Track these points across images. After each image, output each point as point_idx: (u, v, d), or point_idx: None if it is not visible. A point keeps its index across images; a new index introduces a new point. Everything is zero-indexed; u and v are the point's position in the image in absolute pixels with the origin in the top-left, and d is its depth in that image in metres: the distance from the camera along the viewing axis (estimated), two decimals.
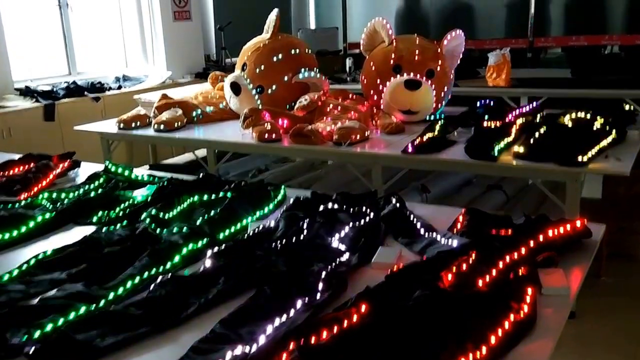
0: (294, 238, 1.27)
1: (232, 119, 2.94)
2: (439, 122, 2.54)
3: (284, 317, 0.95)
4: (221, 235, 1.35)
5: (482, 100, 2.77)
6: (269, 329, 0.92)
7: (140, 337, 0.94)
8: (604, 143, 2.09)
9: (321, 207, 1.43)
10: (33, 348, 0.88)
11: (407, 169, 2.44)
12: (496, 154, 2.08)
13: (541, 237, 1.19)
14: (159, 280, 1.08)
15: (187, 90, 3.51)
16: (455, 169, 2.67)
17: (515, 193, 3.11)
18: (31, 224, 1.42)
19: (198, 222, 1.40)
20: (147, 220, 1.40)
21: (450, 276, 1.05)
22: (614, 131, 2.19)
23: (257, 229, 1.35)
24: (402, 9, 6.01)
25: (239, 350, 0.86)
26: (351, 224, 1.35)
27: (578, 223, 1.25)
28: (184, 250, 1.24)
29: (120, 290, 1.07)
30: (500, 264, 1.09)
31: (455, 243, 1.23)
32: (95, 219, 1.50)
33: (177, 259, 1.21)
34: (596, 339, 2.19)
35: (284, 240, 1.26)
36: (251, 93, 2.87)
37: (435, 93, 2.69)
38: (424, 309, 0.95)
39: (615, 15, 5.00)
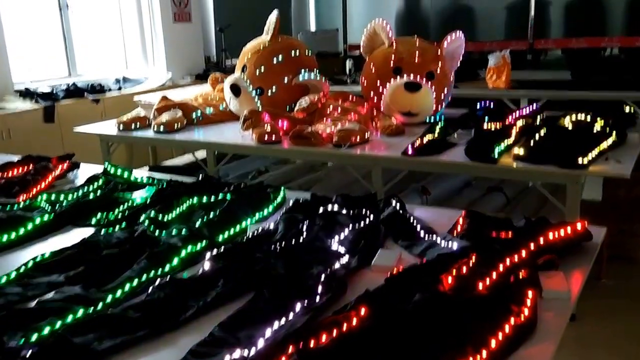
0: (293, 240, 1.27)
1: (232, 120, 2.94)
2: (439, 124, 2.54)
3: (283, 320, 0.95)
4: (220, 238, 1.35)
5: (482, 102, 2.77)
6: (268, 332, 0.91)
7: (138, 340, 0.94)
8: (604, 145, 2.08)
9: (321, 209, 1.43)
10: (30, 351, 0.88)
11: (407, 171, 2.44)
12: (496, 156, 2.08)
13: (542, 240, 1.18)
14: (157, 283, 1.08)
15: (187, 92, 3.51)
16: (455, 171, 2.67)
17: (515, 195, 3.11)
18: (29, 226, 1.41)
19: (197, 225, 1.40)
20: (146, 222, 1.39)
21: (450, 279, 1.04)
22: (614, 133, 2.19)
23: (256, 232, 1.35)
24: (402, 11, 6.01)
25: (237, 354, 0.86)
26: (351, 226, 1.34)
27: (579, 226, 1.24)
28: (183, 253, 1.23)
29: (119, 293, 1.06)
30: (501, 267, 1.08)
31: (455, 246, 1.22)
32: (94, 221, 1.49)
33: (175, 261, 1.20)
34: (597, 341, 2.18)
35: (283, 243, 1.25)
36: (251, 95, 2.87)
37: (435, 95, 2.68)
38: (424, 312, 0.94)
39: (615, 17, 5.01)
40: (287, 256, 1.18)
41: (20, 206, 1.59)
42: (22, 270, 1.18)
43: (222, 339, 0.92)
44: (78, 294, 1.04)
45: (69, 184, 1.89)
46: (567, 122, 2.39)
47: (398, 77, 2.70)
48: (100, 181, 1.79)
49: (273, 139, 2.50)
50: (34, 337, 0.92)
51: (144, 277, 1.13)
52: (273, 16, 3.02)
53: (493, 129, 2.41)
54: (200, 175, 1.78)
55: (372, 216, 1.39)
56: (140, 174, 1.90)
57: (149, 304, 1.01)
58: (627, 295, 2.52)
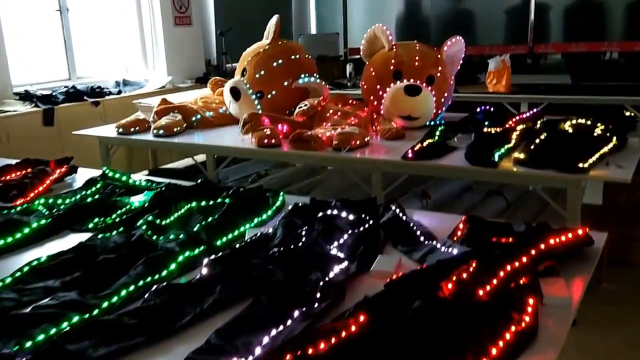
0: (292, 246, 1.26)
1: (231, 124, 2.94)
2: (439, 128, 2.53)
3: (281, 327, 0.94)
4: (218, 243, 1.34)
5: (482, 106, 2.76)
6: (265, 339, 0.90)
7: (134, 347, 0.93)
8: (605, 149, 2.07)
9: (320, 214, 1.42)
10: (24, 359, 0.86)
11: (407, 175, 2.43)
12: (496, 160, 2.07)
13: (542, 246, 1.17)
14: (154, 288, 1.07)
15: (187, 95, 3.51)
16: (455, 175, 2.66)
17: (515, 199, 3.10)
18: (26, 230, 1.40)
19: (195, 229, 1.39)
20: (144, 226, 1.38)
21: (450, 285, 1.03)
22: (614, 138, 2.18)
23: (254, 236, 1.34)
24: (402, 15, 6.02)
25: None
26: (350, 231, 1.33)
27: (580, 231, 1.23)
28: (180, 258, 1.22)
29: (115, 299, 1.05)
30: (501, 273, 1.07)
31: (455, 251, 1.21)
32: (91, 225, 1.48)
33: (173, 266, 1.19)
34: (597, 346, 2.17)
35: (282, 248, 1.24)
36: (251, 98, 2.86)
37: (436, 99, 2.68)
38: (424, 319, 0.93)
39: (615, 22, 5.01)
40: (286, 262, 1.17)
41: (17, 210, 1.58)
42: (17, 275, 1.17)
43: (219, 346, 0.91)
44: (74, 300, 1.03)
45: (67, 187, 1.88)
46: (568, 126, 2.39)
47: (398, 81, 2.70)
48: (98, 185, 1.78)
49: (273, 142, 2.49)
50: (28, 344, 0.91)
51: (141, 282, 1.11)
52: (273, 20, 3.02)
53: (493, 133, 2.40)
54: (199, 179, 1.77)
55: (371, 221, 1.37)
56: (139, 177, 1.89)
57: (144, 311, 1.00)
58: (627, 300, 2.51)
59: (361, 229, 1.34)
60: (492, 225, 1.35)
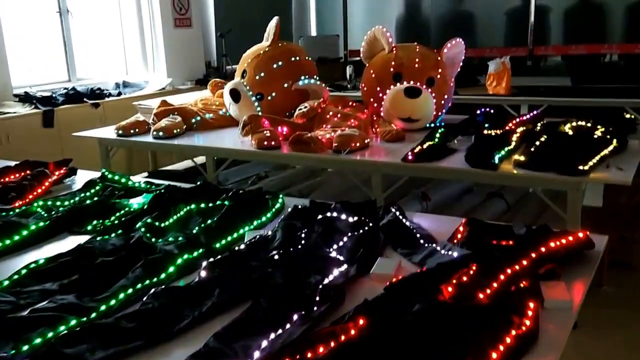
0: (291, 248, 1.25)
1: (231, 125, 2.93)
2: (439, 130, 2.53)
3: (280, 330, 0.93)
4: (217, 245, 1.33)
5: (482, 108, 2.76)
6: (264, 343, 0.90)
7: (132, 351, 0.92)
8: (605, 152, 2.07)
9: (319, 217, 1.41)
10: None
11: (407, 177, 2.43)
12: (496, 162, 2.06)
13: (543, 249, 1.17)
14: (152, 292, 1.06)
15: (187, 97, 3.50)
16: (455, 177, 2.65)
17: (516, 201, 3.09)
18: (24, 232, 1.40)
19: (194, 231, 1.38)
20: (143, 229, 1.37)
21: (450, 288, 1.02)
22: (614, 140, 2.18)
23: (253, 239, 1.33)
24: (402, 17, 6.02)
25: None
26: (350, 233, 1.33)
27: (580, 234, 1.23)
28: (179, 261, 1.21)
29: (113, 302, 1.05)
30: (502, 277, 1.07)
31: (455, 254, 1.20)
32: (90, 227, 1.47)
33: (171, 269, 1.19)
34: (597, 350, 2.16)
35: (281, 251, 1.24)
36: (251, 100, 2.86)
37: (436, 101, 2.68)
38: (424, 322, 0.93)
39: (615, 24, 5.01)
40: (285, 264, 1.17)
41: (16, 212, 1.57)
42: (15, 277, 1.16)
43: (217, 349, 0.90)
44: (71, 303, 1.02)
45: (66, 189, 1.87)
46: (568, 128, 2.38)
47: (398, 83, 2.70)
48: (98, 187, 1.78)
49: (272, 144, 2.49)
50: (25, 347, 0.90)
51: (139, 285, 1.11)
52: (273, 22, 3.02)
53: (493, 135, 2.40)
54: (198, 181, 1.77)
55: (371, 224, 1.37)
56: (138, 179, 1.89)
57: (143, 314, 0.99)
58: (627, 303, 2.50)
59: (361, 231, 1.33)
60: (492, 227, 1.34)
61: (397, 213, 1.43)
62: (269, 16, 3.09)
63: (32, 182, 1.79)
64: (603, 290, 2.54)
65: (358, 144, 2.36)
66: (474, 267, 1.09)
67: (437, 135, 2.44)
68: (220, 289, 1.08)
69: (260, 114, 2.78)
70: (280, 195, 1.65)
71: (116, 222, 1.49)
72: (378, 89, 2.76)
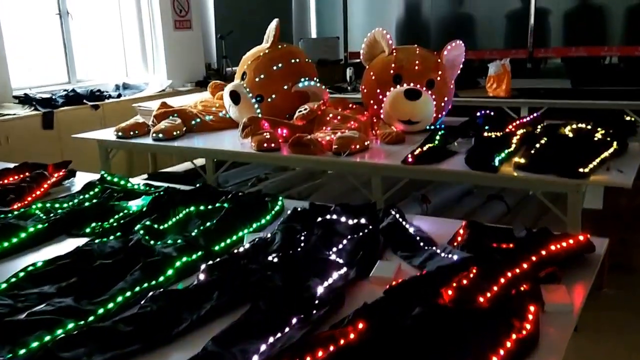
0: (291, 251, 1.25)
1: (231, 127, 2.93)
2: (439, 132, 2.52)
3: (279, 334, 0.93)
4: (216, 248, 1.32)
5: (482, 111, 2.75)
6: (263, 347, 0.89)
7: (129, 355, 0.91)
8: (606, 154, 2.07)
9: (319, 219, 1.41)
10: None
11: (407, 179, 2.42)
12: (497, 164, 2.06)
13: (543, 252, 1.16)
14: (150, 295, 1.05)
15: (187, 99, 3.50)
16: (455, 179, 2.65)
17: (516, 203, 3.09)
18: (22, 234, 1.39)
19: (193, 234, 1.38)
20: (141, 231, 1.37)
21: (450, 292, 1.02)
22: (615, 142, 2.17)
23: (253, 242, 1.33)
24: (402, 19, 6.03)
25: None
26: (349, 236, 1.32)
27: (581, 237, 1.22)
28: (178, 264, 1.21)
29: (111, 305, 1.04)
30: (502, 280, 1.06)
31: (455, 257, 1.20)
32: (88, 230, 1.47)
33: (170, 272, 1.18)
34: (597, 353, 2.15)
35: (280, 254, 1.23)
36: (251, 102, 2.86)
37: (436, 103, 2.67)
38: (424, 326, 0.92)
39: (615, 26, 5.02)
40: (284, 267, 1.16)
41: (14, 214, 1.57)
42: (12, 280, 1.16)
43: (215, 353, 0.90)
44: (69, 306, 1.01)
45: (65, 191, 1.87)
46: (568, 130, 2.38)
47: (398, 85, 2.69)
48: (97, 189, 1.77)
49: (272, 146, 2.48)
50: (22, 351, 0.89)
51: (137, 288, 1.10)
52: (273, 24, 3.02)
53: (494, 137, 2.39)
54: (198, 183, 1.76)
55: (371, 226, 1.36)
56: (137, 181, 1.88)
57: (141, 317, 0.99)
58: (628, 306, 2.49)
59: (361, 234, 1.33)
60: (492, 230, 1.34)
61: (397, 216, 1.42)
62: (269, 18, 3.09)
63: (31, 184, 1.79)
64: (603, 293, 2.53)
65: (358, 146, 2.36)
66: (474, 271, 1.08)
67: (437, 137, 2.43)
68: (219, 292, 1.07)
69: (260, 115, 2.78)
70: (280, 198, 1.64)
71: (115, 224, 1.48)
72: (378, 91, 2.75)
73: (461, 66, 2.87)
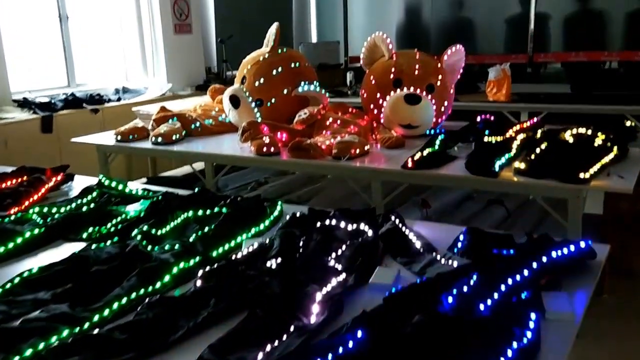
0: (289, 257, 1.23)
1: (231, 131, 2.92)
2: (439, 136, 2.52)
3: (276, 342, 0.91)
4: (214, 254, 1.31)
5: (483, 115, 2.75)
6: (260, 355, 0.88)
7: None
8: (606, 159, 2.06)
9: (318, 224, 1.40)
10: None
11: (407, 184, 2.41)
12: (497, 169, 2.05)
13: (544, 259, 1.15)
14: (146, 301, 1.04)
15: (187, 103, 3.50)
16: (455, 184, 2.64)
17: (516, 207, 3.08)
18: (19, 239, 1.38)
19: (191, 239, 1.37)
20: (139, 236, 1.36)
21: (450, 299, 1.01)
22: (615, 148, 2.17)
23: (251, 247, 1.32)
24: (402, 24, 6.04)
25: None
26: (348, 242, 1.31)
27: (582, 244, 1.21)
28: (175, 270, 1.20)
29: (106, 311, 1.03)
30: (503, 287, 1.05)
31: (455, 264, 1.19)
32: (85, 235, 1.46)
33: (167, 278, 1.17)
34: (599, 359, 2.13)
35: (279, 260, 1.22)
36: (250, 106, 2.85)
37: (436, 108, 2.67)
38: (423, 335, 0.91)
39: (615, 31, 5.02)
40: (283, 274, 1.15)
41: (11, 219, 1.55)
42: (7, 286, 1.15)
43: None
44: (64, 313, 1.00)
45: (63, 196, 1.86)
46: (568, 135, 2.37)
47: (398, 89, 2.69)
48: (94, 194, 1.76)
49: (272, 150, 2.48)
50: (16, 358, 0.88)
51: (134, 295, 1.09)
52: (273, 28, 3.02)
53: (494, 142, 2.38)
54: (196, 188, 1.75)
55: (370, 232, 1.35)
56: (136, 186, 1.87)
57: (136, 325, 0.97)
58: (629, 311, 2.47)
59: (360, 240, 1.32)
60: (493, 237, 1.32)
61: (397, 221, 1.41)
62: (269, 22, 3.09)
63: (29, 189, 1.78)
64: (604, 299, 2.51)
65: (358, 151, 2.35)
66: (474, 277, 1.07)
67: (437, 142, 2.42)
68: (216, 299, 1.06)
69: (259, 120, 2.77)
70: (279, 203, 1.63)
71: (112, 229, 1.47)
72: (378, 95, 2.75)
73: (461, 71, 2.87)
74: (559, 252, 1.18)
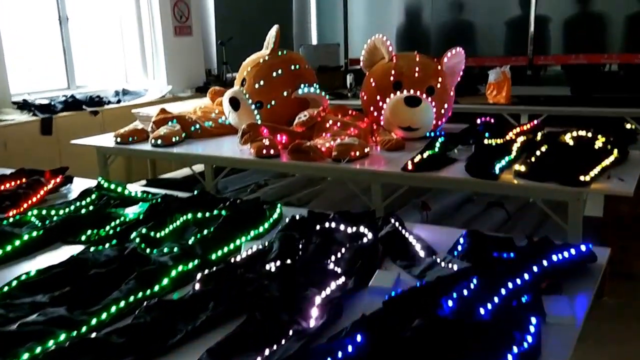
0: (289, 260, 1.23)
1: (231, 134, 2.92)
2: (439, 139, 2.51)
3: (275, 346, 0.91)
4: (213, 256, 1.31)
5: (483, 118, 2.75)
6: (259, 359, 0.87)
7: None
8: (606, 162, 2.05)
9: (317, 227, 1.39)
10: None
11: (407, 186, 2.41)
12: (497, 172, 2.05)
13: (545, 262, 1.14)
14: (144, 305, 1.04)
15: (187, 105, 3.49)
16: (455, 187, 2.63)
17: (516, 210, 3.07)
18: (17, 242, 1.37)
19: (190, 242, 1.36)
20: (137, 239, 1.35)
21: (450, 302, 1.00)
22: (615, 150, 2.16)
23: (250, 250, 1.31)
24: (402, 26, 6.04)
25: None
26: (348, 245, 1.31)
27: (583, 247, 1.20)
28: (173, 273, 1.19)
29: (104, 315, 1.02)
30: (503, 291, 1.04)
31: (455, 267, 1.18)
32: (84, 237, 1.45)
33: (165, 281, 1.16)
34: None
35: (278, 263, 1.21)
36: (250, 108, 2.85)
37: (436, 110, 2.66)
38: (423, 339, 0.90)
39: (615, 34, 5.02)
40: (282, 277, 1.14)
41: (9, 221, 1.55)
42: (5, 290, 1.14)
43: None
44: (61, 316, 0.99)
45: (62, 198, 1.85)
46: (568, 138, 2.37)
47: (398, 91, 2.69)
48: (93, 196, 1.76)
49: (271, 153, 2.47)
50: None
51: (132, 298, 1.08)
52: (273, 30, 3.02)
53: (494, 145, 2.38)
54: (195, 190, 1.75)
55: (370, 235, 1.35)
56: (135, 188, 1.87)
57: (134, 328, 0.97)
58: (629, 314, 2.46)
59: (359, 243, 1.31)
60: (493, 239, 1.32)
61: (397, 224, 1.41)
62: (269, 24, 3.09)
63: (27, 191, 1.77)
64: (604, 302, 2.51)
65: (358, 153, 2.35)
66: (474, 281, 1.06)
67: (437, 144, 2.42)
68: (215, 302, 1.05)
69: (259, 122, 2.77)
70: (278, 205, 1.62)
71: (111, 232, 1.46)
72: (378, 97, 2.75)
73: (461, 73, 2.87)
74: (560, 256, 1.17)
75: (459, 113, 3.29)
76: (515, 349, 0.89)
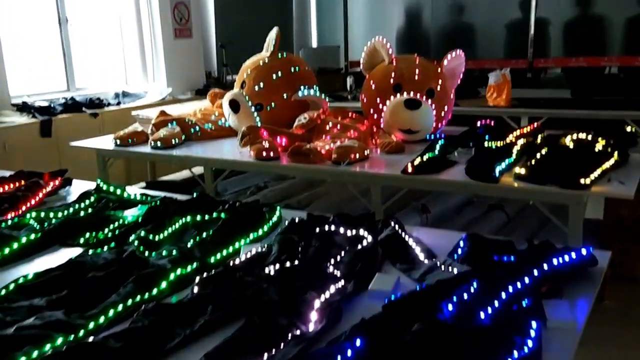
0: (288, 264, 1.22)
1: (230, 136, 2.92)
2: (439, 141, 2.51)
3: (274, 350, 0.90)
4: (212, 260, 1.30)
5: (483, 120, 2.74)
6: None
7: None
8: (607, 165, 2.05)
9: (317, 230, 1.38)
10: None
11: (406, 189, 2.40)
12: (497, 175, 2.04)
13: (545, 266, 1.14)
14: (142, 309, 1.03)
15: (187, 107, 3.49)
16: (455, 189, 2.63)
17: (516, 213, 3.06)
18: (15, 245, 1.37)
19: (189, 245, 1.35)
20: (136, 242, 1.35)
21: (450, 306, 0.99)
22: (615, 153, 2.16)
23: (249, 253, 1.30)
24: (402, 29, 6.05)
25: None
26: (347, 248, 1.30)
27: (583, 251, 1.20)
28: (172, 276, 1.18)
29: (102, 319, 1.01)
30: (503, 295, 1.04)
31: (455, 270, 1.18)
32: (82, 240, 1.44)
33: (164, 285, 1.16)
34: None
35: (277, 266, 1.21)
36: (250, 110, 2.85)
37: (436, 113, 2.66)
38: (423, 343, 0.89)
39: (615, 37, 5.03)
40: (281, 280, 1.14)
41: (8, 224, 1.54)
42: (2, 293, 1.13)
43: None
44: (59, 320, 0.99)
45: (61, 200, 1.85)
46: (569, 141, 2.36)
47: (398, 94, 2.68)
48: (92, 198, 1.75)
49: (271, 155, 2.47)
50: None
51: (130, 301, 1.08)
52: (273, 32, 3.02)
53: (494, 148, 2.38)
54: (195, 193, 1.74)
55: (369, 238, 1.34)
56: (134, 191, 1.86)
57: (132, 332, 0.96)
58: (630, 318, 2.46)
59: (359, 246, 1.30)
60: (493, 243, 1.31)
61: (396, 227, 1.40)
62: (269, 27, 3.09)
63: (26, 193, 1.76)
64: (605, 305, 2.50)
65: (357, 156, 2.34)
66: (474, 285, 1.06)
67: (437, 147, 2.42)
68: (214, 306, 1.05)
69: (259, 124, 2.77)
70: (278, 208, 1.62)
71: (109, 235, 1.46)
72: (378, 100, 2.74)
73: (461, 76, 2.87)
74: (560, 259, 1.17)
75: (459, 116, 3.28)
76: (515, 354, 0.88)
